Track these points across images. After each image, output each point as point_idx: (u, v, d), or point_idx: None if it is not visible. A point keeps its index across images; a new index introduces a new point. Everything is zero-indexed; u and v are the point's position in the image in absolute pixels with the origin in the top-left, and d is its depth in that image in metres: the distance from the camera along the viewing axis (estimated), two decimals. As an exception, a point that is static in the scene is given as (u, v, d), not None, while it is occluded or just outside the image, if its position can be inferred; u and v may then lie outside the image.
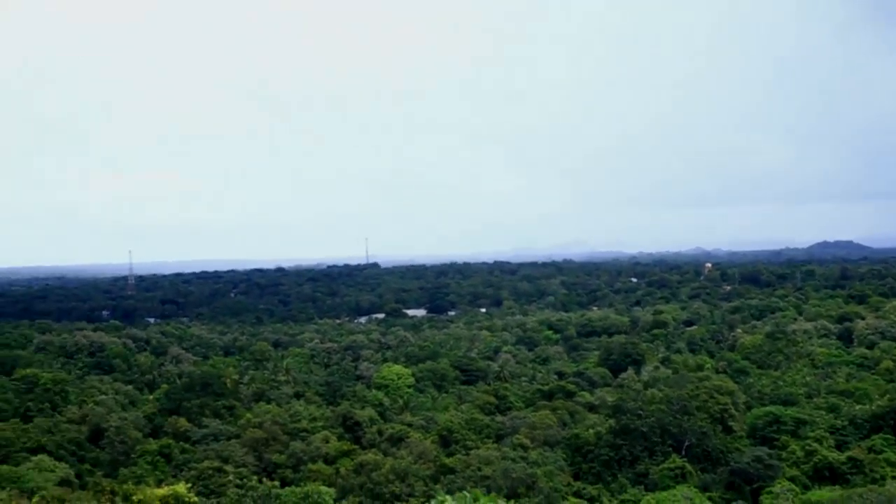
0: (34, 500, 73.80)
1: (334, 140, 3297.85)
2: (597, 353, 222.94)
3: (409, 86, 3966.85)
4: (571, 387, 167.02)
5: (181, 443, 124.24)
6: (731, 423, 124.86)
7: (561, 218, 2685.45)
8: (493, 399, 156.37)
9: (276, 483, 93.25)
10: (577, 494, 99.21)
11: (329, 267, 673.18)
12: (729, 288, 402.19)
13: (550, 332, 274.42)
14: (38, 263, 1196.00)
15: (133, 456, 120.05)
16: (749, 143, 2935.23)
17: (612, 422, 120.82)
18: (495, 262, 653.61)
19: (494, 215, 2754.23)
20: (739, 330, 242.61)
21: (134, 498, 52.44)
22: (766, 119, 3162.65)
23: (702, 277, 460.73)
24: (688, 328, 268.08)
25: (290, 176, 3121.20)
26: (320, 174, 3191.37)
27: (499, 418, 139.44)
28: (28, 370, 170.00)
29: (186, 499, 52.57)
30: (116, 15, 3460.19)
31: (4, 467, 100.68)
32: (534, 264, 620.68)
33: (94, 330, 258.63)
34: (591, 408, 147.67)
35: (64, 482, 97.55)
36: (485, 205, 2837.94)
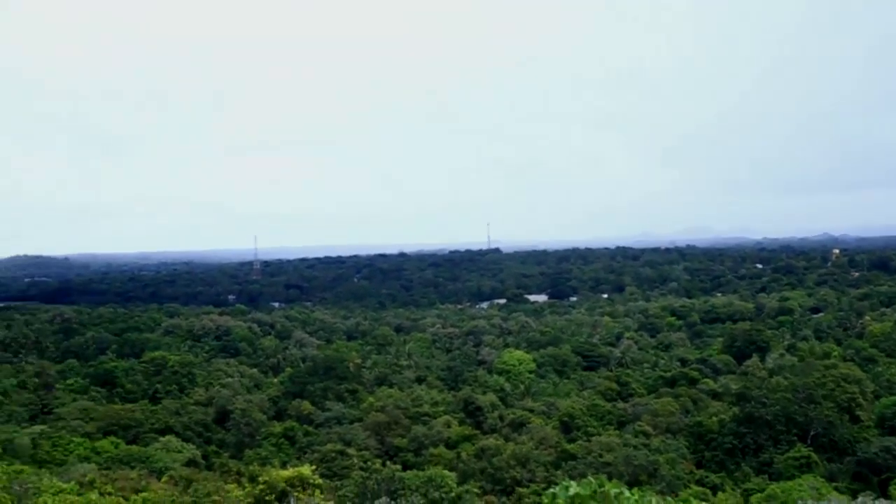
0: (163, 479, 75.53)
1: (456, 129, 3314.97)
2: (720, 339, 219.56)
3: (529, 74, 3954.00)
4: (694, 374, 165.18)
5: (305, 426, 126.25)
6: (858, 413, 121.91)
7: (685, 204, 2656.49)
8: (614, 385, 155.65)
9: (398, 467, 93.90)
10: (700, 483, 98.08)
11: (451, 252, 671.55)
12: (857, 274, 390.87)
13: (673, 318, 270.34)
14: (166, 249, 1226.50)
15: (258, 438, 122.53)
16: (875, 127, 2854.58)
17: (735, 410, 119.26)
18: (617, 248, 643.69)
19: (617, 202, 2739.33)
20: (868, 317, 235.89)
21: (260, 479, 53.10)
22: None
23: (829, 264, 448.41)
24: (814, 315, 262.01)
25: (414, 164, 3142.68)
26: (443, 162, 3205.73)
27: (620, 405, 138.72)
28: (157, 353, 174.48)
29: (311, 480, 53.07)
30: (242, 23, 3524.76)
31: (134, 447, 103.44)
32: (656, 250, 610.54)
33: (221, 314, 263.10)
34: (715, 395, 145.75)
35: (191, 462, 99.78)
36: (608, 191, 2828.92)
